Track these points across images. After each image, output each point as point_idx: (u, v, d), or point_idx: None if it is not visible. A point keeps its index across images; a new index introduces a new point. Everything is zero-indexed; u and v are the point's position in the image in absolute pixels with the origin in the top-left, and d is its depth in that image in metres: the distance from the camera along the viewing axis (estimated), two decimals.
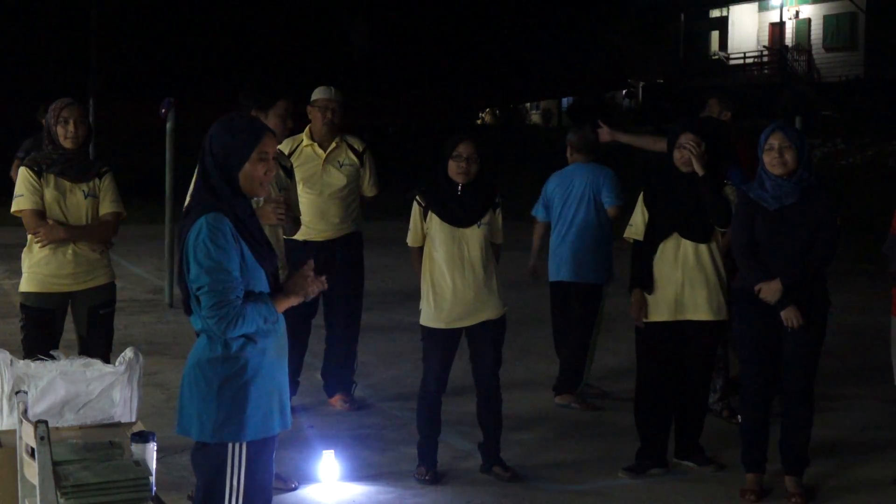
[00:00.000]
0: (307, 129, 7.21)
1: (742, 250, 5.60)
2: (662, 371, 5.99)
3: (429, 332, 5.88)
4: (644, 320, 6.00)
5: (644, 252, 6.02)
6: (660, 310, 5.96)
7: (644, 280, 5.98)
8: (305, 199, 6.93)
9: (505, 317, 5.91)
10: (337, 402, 7.26)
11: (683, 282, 5.89)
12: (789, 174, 5.47)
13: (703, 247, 5.90)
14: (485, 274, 5.79)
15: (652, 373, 6.03)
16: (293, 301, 3.82)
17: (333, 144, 7.15)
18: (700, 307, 5.91)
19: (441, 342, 5.85)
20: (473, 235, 5.78)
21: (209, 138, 3.78)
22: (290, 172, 6.07)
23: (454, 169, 5.75)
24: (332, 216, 7.08)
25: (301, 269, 3.87)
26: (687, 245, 5.90)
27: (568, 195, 7.40)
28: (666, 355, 5.99)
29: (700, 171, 5.86)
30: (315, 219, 7.00)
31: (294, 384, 7.22)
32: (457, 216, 5.78)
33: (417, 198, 5.89)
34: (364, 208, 7.45)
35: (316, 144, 7.12)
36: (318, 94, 7.19)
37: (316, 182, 7.07)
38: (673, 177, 5.97)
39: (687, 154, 5.87)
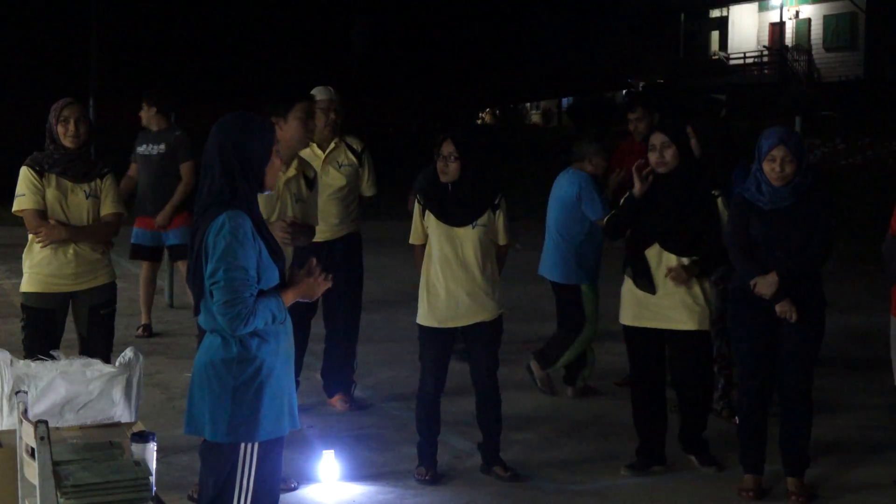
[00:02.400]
0: None
1: (737, 249, 5.59)
2: (651, 373, 5.99)
3: (424, 331, 5.89)
4: (626, 324, 6.01)
5: (627, 260, 6.01)
6: (641, 316, 5.94)
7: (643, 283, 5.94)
8: None
9: (501, 319, 5.90)
10: (337, 402, 7.26)
11: (665, 293, 5.84)
12: (786, 183, 5.48)
13: (686, 259, 5.83)
14: (480, 275, 5.78)
15: (642, 374, 6.03)
16: (298, 298, 3.84)
17: (332, 145, 7.13)
18: (682, 318, 5.84)
19: (436, 341, 5.85)
20: (468, 236, 5.78)
21: (227, 141, 3.77)
22: (312, 182, 5.93)
23: (439, 168, 5.78)
24: (331, 217, 7.06)
25: (307, 267, 3.88)
26: (670, 256, 5.85)
27: (551, 195, 7.54)
28: (653, 359, 5.98)
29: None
30: None
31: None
32: (451, 215, 5.78)
33: (418, 196, 5.91)
34: (363, 208, 7.44)
35: (315, 145, 7.08)
36: (318, 94, 7.17)
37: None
38: (655, 181, 5.92)
39: (657, 156, 5.85)
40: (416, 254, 5.99)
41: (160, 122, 9.16)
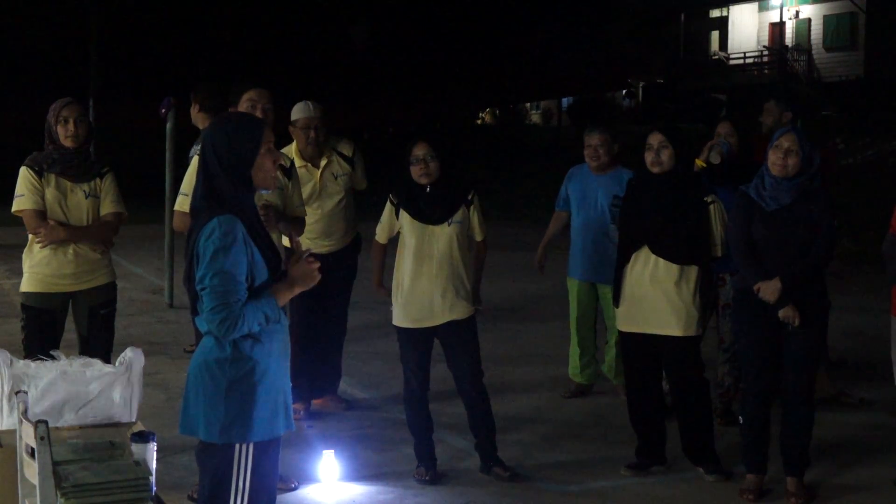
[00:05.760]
0: (293, 147, 6.95)
1: (740, 250, 5.59)
2: (644, 376, 5.98)
3: (400, 332, 5.90)
4: (620, 329, 6.03)
5: (617, 263, 6.01)
6: (629, 321, 5.93)
7: (615, 293, 5.99)
8: (307, 217, 6.88)
9: (474, 317, 5.89)
10: (327, 403, 7.17)
11: (654, 297, 5.81)
12: (788, 178, 5.46)
13: (675, 266, 5.79)
14: (454, 274, 5.77)
15: (635, 377, 6.03)
16: (296, 291, 3.82)
17: (324, 161, 6.99)
18: (671, 323, 5.81)
19: (413, 341, 5.85)
20: (443, 234, 5.78)
21: (211, 143, 3.77)
22: (288, 172, 5.84)
23: (416, 172, 5.76)
24: (335, 231, 7.00)
25: (297, 254, 3.86)
26: (659, 260, 5.81)
27: None
28: (644, 363, 5.96)
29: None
30: (320, 236, 6.91)
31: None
32: (426, 214, 5.78)
33: (391, 196, 5.92)
34: (357, 208, 7.32)
35: (309, 164, 6.94)
36: (296, 113, 6.91)
37: (315, 200, 6.94)
38: (647, 182, 5.91)
39: (653, 156, 5.83)
40: (375, 250, 6.01)
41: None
